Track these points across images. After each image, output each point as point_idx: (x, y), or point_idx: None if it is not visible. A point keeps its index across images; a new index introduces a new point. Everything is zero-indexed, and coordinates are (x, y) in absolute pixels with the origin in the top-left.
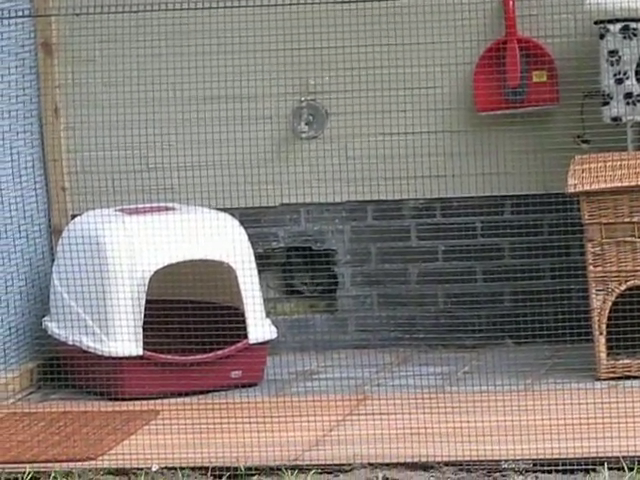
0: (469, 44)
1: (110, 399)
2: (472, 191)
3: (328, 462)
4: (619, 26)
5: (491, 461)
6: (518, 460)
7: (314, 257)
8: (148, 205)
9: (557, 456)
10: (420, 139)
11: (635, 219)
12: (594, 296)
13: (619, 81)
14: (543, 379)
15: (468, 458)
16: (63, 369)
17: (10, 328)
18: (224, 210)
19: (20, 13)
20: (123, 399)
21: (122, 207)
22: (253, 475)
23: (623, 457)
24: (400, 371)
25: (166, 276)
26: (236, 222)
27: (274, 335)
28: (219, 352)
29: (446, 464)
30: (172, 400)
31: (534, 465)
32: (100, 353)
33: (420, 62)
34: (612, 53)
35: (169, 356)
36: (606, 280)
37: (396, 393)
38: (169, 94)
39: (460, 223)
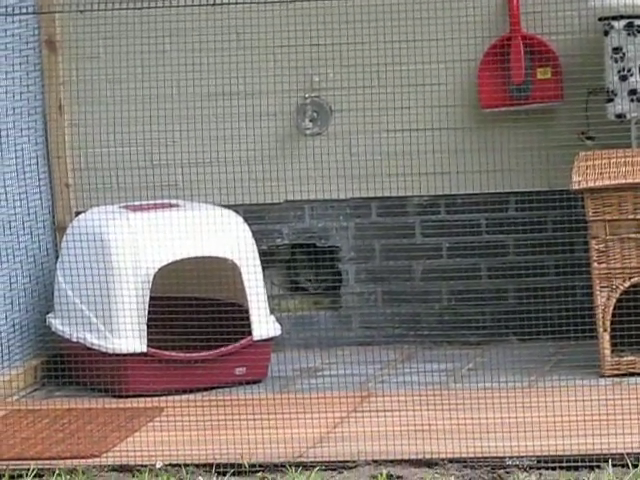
0: (473, 41)
1: (114, 396)
2: (476, 188)
3: (332, 459)
4: (623, 23)
5: (495, 458)
6: (522, 457)
7: (318, 254)
8: (152, 202)
9: (561, 453)
10: (424, 136)
11: (639, 216)
12: (598, 293)
13: (623, 78)
14: (547, 376)
15: (472, 455)
16: (67, 366)
17: (14, 325)
18: (228, 207)
19: (24, 10)
20: (127, 396)
21: (126, 204)
22: (257, 472)
23: (627, 454)
24: (404, 368)
25: (170, 273)
26: (240, 219)
27: (278, 332)
28: (223, 349)
29: (450, 461)
30: (176, 397)
31: (538, 462)
32: (104, 350)
33: (424, 59)
34: (616, 50)
35: (173, 353)
36: (610, 277)
37: (400, 390)
38: (173, 91)
39: (464, 220)
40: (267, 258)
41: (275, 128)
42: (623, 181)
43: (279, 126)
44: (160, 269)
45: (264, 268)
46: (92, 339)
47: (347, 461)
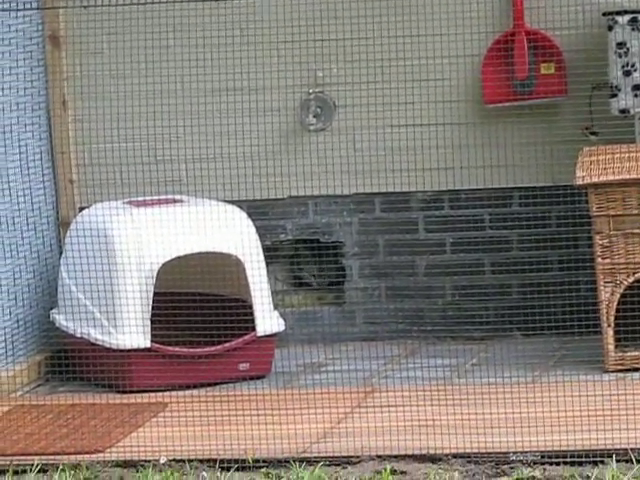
0: (477, 36)
1: (118, 391)
2: (480, 183)
3: (336, 454)
4: (627, 18)
5: (499, 453)
6: (526, 452)
7: (322, 249)
8: (156, 197)
9: (565, 448)
10: (428, 131)
11: None
12: (602, 288)
13: (627, 73)
14: (551, 371)
15: (476, 450)
16: (71, 362)
17: (18, 320)
18: (232, 202)
19: (28, 5)
20: (131, 391)
21: (130, 199)
22: (261, 467)
23: (631, 449)
24: (408, 363)
25: (174, 268)
26: (244, 214)
27: (282, 327)
28: (227, 344)
29: (454, 456)
30: (180, 392)
31: (542, 457)
32: (108, 345)
33: (428, 54)
34: (620, 45)
35: (177, 348)
36: (614, 272)
37: (404, 385)
38: (177, 86)
39: (468, 215)
40: (271, 253)
41: (279, 124)
42: (627, 176)
43: (283, 122)
44: (164, 264)
45: (268, 263)
46: (96, 334)
47: (351, 456)
